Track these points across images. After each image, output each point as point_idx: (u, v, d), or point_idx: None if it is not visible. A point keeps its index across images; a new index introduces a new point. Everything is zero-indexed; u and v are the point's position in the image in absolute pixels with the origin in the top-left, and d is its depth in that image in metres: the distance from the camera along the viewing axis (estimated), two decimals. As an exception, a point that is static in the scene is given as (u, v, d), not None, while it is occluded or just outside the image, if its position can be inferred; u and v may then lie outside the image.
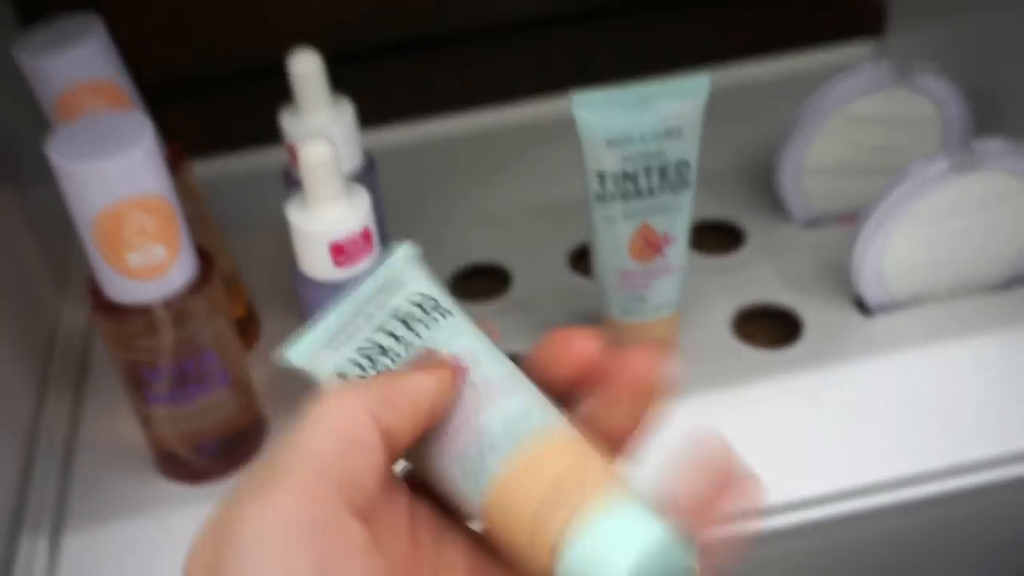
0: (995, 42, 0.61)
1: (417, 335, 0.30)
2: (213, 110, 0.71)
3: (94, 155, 0.39)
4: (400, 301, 0.31)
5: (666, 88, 0.44)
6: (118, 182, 0.40)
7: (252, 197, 0.66)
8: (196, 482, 0.50)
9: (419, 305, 0.31)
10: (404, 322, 0.30)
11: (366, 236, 0.44)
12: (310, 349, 0.31)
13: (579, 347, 0.29)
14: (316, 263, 0.44)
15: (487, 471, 0.27)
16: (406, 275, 0.31)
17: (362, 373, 0.30)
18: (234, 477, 0.50)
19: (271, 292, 0.60)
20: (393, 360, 0.30)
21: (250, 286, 0.58)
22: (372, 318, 0.31)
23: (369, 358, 0.30)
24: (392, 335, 0.30)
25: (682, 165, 0.45)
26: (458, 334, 0.30)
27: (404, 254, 0.32)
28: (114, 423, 0.53)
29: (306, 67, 0.48)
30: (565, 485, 0.26)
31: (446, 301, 0.31)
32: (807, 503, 0.47)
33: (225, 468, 0.50)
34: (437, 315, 0.30)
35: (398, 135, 0.71)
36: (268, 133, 0.68)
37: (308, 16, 0.72)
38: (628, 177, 0.45)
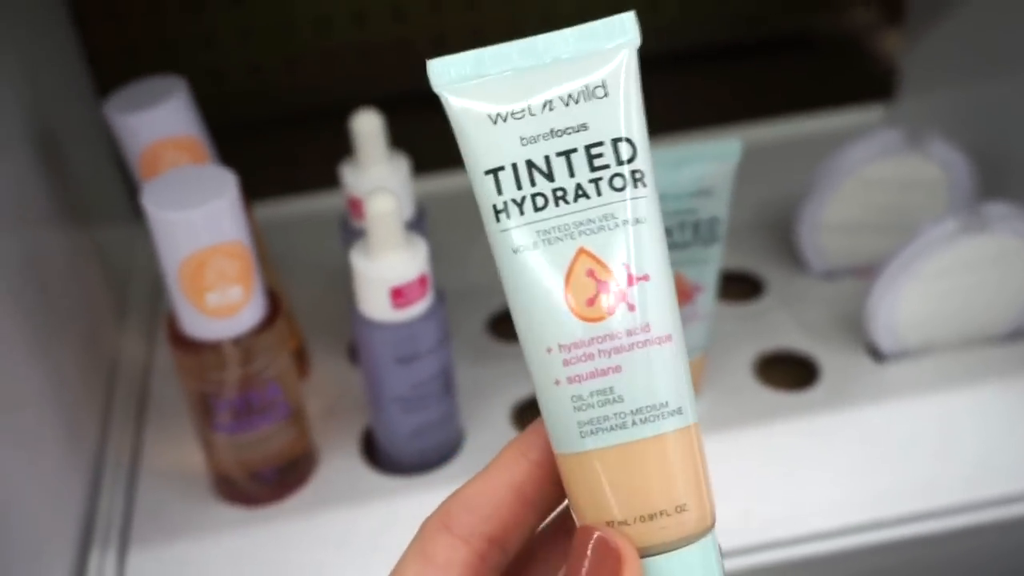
0: (1002, 108, 0.64)
1: (597, 190, 0.25)
2: (255, 155, 0.75)
3: (185, 205, 0.43)
4: (600, 132, 0.25)
5: (700, 151, 0.47)
6: (205, 230, 0.44)
7: (295, 238, 0.69)
8: (251, 506, 0.53)
9: (616, 151, 0.25)
10: (591, 162, 0.25)
11: (422, 281, 0.48)
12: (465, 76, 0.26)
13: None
14: (376, 306, 0.48)
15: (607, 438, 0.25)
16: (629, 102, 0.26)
17: (529, 188, 0.25)
18: (285, 502, 0.53)
19: (317, 329, 0.63)
20: (554, 199, 0.25)
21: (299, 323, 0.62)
22: (556, 116, 0.25)
23: (533, 171, 0.25)
24: (569, 166, 0.25)
25: (713, 222, 0.49)
26: (642, 237, 0.25)
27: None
28: (174, 449, 0.56)
29: (367, 125, 0.52)
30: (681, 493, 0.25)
31: (647, 163, 0.26)
32: (820, 536, 0.49)
33: (279, 494, 0.53)
34: (632, 181, 0.25)
35: (443, 182, 0.74)
36: (307, 178, 0.73)
37: (349, 67, 0.76)
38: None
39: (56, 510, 0.50)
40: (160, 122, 0.49)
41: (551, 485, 0.27)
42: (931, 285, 0.55)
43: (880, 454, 0.53)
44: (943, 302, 0.56)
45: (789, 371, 0.59)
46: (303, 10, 0.74)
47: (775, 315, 0.62)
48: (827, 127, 0.77)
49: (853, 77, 0.81)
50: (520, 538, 0.27)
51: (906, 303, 0.56)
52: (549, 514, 0.27)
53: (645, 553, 0.25)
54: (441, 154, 0.75)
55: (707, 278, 0.51)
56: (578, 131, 0.25)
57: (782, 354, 0.60)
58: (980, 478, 0.51)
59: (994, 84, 0.65)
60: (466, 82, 0.26)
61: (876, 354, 0.58)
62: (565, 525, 0.28)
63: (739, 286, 0.65)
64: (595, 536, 0.24)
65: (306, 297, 0.64)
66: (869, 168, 0.60)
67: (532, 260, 0.25)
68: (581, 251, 0.25)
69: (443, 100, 0.26)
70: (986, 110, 0.66)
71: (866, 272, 0.61)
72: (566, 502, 0.27)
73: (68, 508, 0.51)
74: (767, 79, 0.81)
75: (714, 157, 0.47)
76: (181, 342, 0.48)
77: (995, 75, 0.65)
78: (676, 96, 0.80)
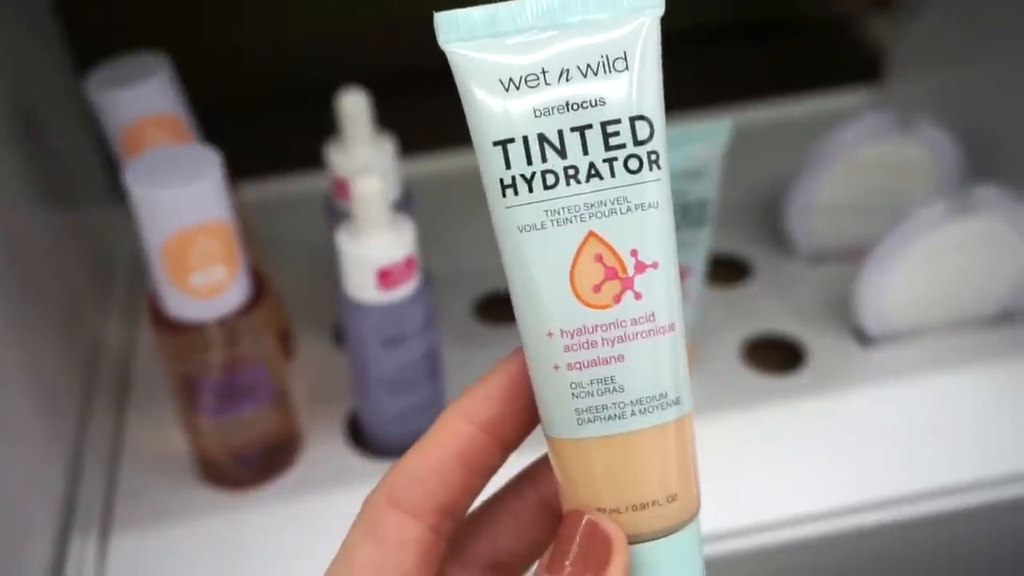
0: (990, 91, 0.64)
1: (611, 171, 0.24)
2: (240, 135, 0.75)
3: (169, 184, 0.42)
4: (618, 108, 0.24)
5: (690, 132, 0.47)
6: (189, 209, 0.43)
7: (280, 218, 0.68)
8: (236, 489, 0.52)
9: (633, 130, 0.24)
10: (606, 140, 0.24)
11: (409, 263, 0.48)
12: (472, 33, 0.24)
13: None
14: (362, 287, 0.47)
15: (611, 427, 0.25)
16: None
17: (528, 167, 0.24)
18: (270, 486, 0.52)
19: (303, 311, 0.63)
20: (565, 178, 0.24)
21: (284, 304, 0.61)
22: (573, 87, 0.24)
23: (545, 146, 0.24)
24: (583, 143, 0.24)
25: (702, 203, 0.49)
26: (652, 223, 0.24)
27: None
28: (157, 433, 0.56)
29: (353, 105, 0.51)
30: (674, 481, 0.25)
31: (663, 144, 0.24)
32: (807, 519, 0.49)
33: (263, 477, 0.53)
34: (648, 163, 0.24)
35: (431, 164, 0.74)
36: (293, 158, 0.72)
37: (336, 45, 0.76)
38: (652, 213, 0.49)
39: (36, 494, 0.49)
40: (142, 100, 0.49)
41: (495, 447, 0.26)
42: (918, 268, 0.55)
43: (866, 437, 0.53)
44: (930, 285, 0.56)
45: (776, 355, 0.59)
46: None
47: (762, 299, 0.62)
48: (815, 110, 0.77)
49: (841, 59, 0.81)
50: (468, 503, 0.26)
51: (893, 286, 0.56)
52: (494, 474, 0.27)
53: (633, 540, 0.25)
54: (431, 136, 0.75)
55: (696, 260, 0.51)
56: (595, 106, 0.24)
57: (769, 338, 0.60)
58: (967, 460, 0.51)
59: (982, 67, 0.65)
60: (477, 40, 0.24)
61: (863, 337, 0.58)
62: (517, 489, 0.28)
63: (726, 269, 0.65)
64: (585, 520, 0.24)
65: (291, 278, 0.64)
66: (858, 151, 0.59)
67: (539, 240, 0.24)
68: (591, 235, 0.24)
69: (451, 58, 0.24)
70: (974, 93, 0.66)
71: (854, 255, 0.61)
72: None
73: (48, 492, 0.50)
74: (755, 61, 0.80)
75: (704, 138, 0.47)
76: (164, 324, 0.47)
77: (983, 58, 0.65)
78: (665, 78, 0.79)
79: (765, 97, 0.78)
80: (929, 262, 0.55)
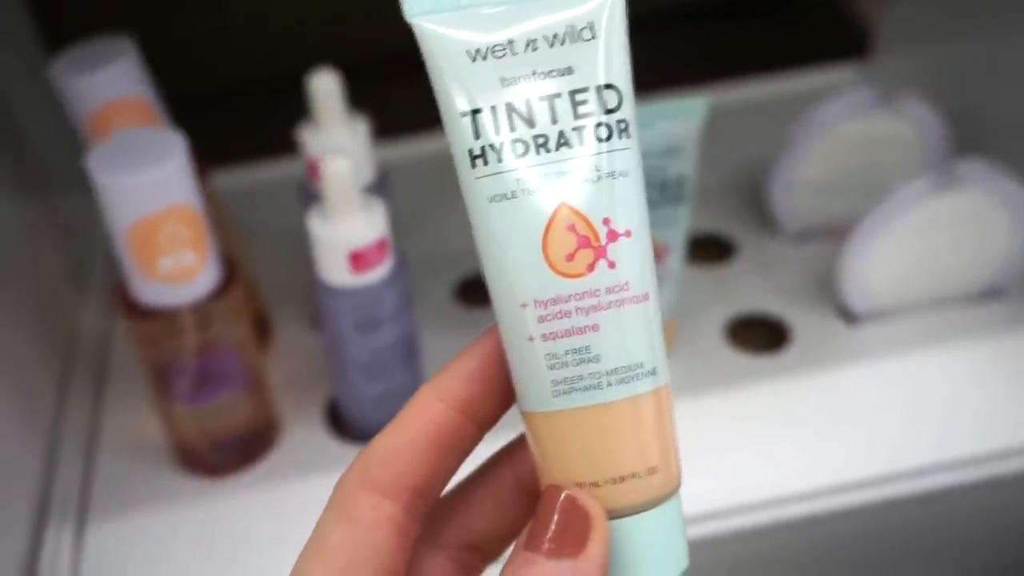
0: (977, 65, 0.64)
1: (580, 139, 0.24)
2: (218, 122, 0.74)
3: (133, 169, 0.42)
4: (586, 77, 0.24)
5: (666, 109, 0.46)
6: (155, 194, 0.42)
7: (260, 205, 0.68)
8: (213, 476, 0.52)
9: (601, 99, 0.24)
10: (575, 109, 0.24)
11: (381, 245, 0.47)
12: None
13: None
14: (334, 270, 0.47)
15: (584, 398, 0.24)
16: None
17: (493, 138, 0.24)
18: (248, 472, 0.52)
19: (284, 297, 0.62)
20: (535, 147, 0.24)
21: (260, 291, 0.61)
22: (540, 56, 0.24)
23: (513, 116, 0.24)
24: (552, 112, 0.24)
25: (680, 180, 0.48)
26: (624, 191, 0.24)
27: None
28: (134, 420, 0.55)
29: (325, 85, 0.50)
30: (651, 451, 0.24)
31: (631, 113, 0.25)
32: (791, 499, 0.48)
33: (241, 463, 0.52)
34: (617, 131, 0.24)
35: (410, 148, 0.73)
36: (271, 145, 0.71)
37: (318, 29, 0.75)
38: (629, 192, 0.48)
39: (11, 483, 0.48)
40: (108, 83, 0.48)
41: (469, 427, 0.26)
42: (903, 245, 0.54)
43: (851, 416, 0.52)
44: (915, 262, 0.55)
45: (760, 334, 0.58)
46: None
47: (746, 277, 0.61)
48: (802, 87, 0.76)
49: (829, 36, 0.80)
50: (442, 484, 0.26)
51: (878, 263, 0.55)
52: (468, 455, 0.26)
53: (613, 515, 0.24)
54: (413, 119, 0.74)
55: (675, 239, 0.50)
56: (563, 75, 0.24)
57: (753, 317, 0.59)
58: (953, 438, 0.51)
59: (969, 41, 0.64)
60: (442, 12, 0.24)
61: (848, 316, 0.58)
62: (492, 470, 0.28)
63: (710, 248, 0.64)
64: (563, 496, 0.24)
65: (270, 265, 0.63)
66: (842, 127, 0.58)
67: (510, 210, 0.24)
68: (562, 204, 0.24)
69: (416, 31, 0.24)
70: (961, 68, 0.65)
71: (838, 233, 0.60)
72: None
73: (23, 482, 0.50)
74: (741, 38, 0.79)
75: (680, 115, 0.46)
76: (134, 310, 0.46)
77: (969, 32, 0.64)
78: (649, 56, 0.78)
79: (753, 74, 0.77)
80: (914, 238, 0.54)
